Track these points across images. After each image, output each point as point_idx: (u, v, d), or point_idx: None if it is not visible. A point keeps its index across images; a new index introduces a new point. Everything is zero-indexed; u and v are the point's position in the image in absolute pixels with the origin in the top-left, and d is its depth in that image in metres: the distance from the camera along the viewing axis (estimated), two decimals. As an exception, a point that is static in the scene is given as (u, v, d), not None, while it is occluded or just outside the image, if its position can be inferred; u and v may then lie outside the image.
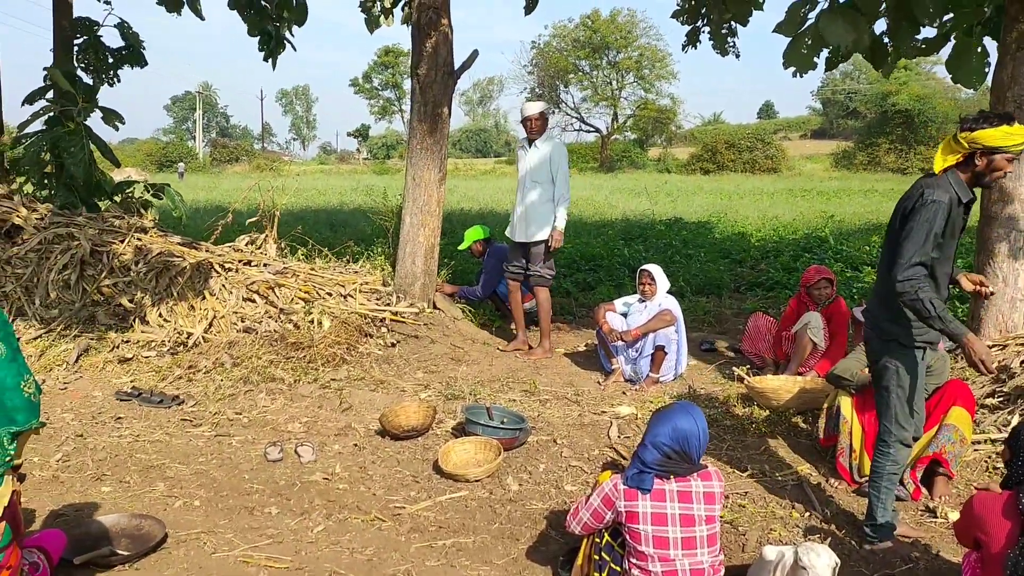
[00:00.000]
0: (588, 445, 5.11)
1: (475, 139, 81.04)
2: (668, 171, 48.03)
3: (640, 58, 55.22)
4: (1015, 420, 4.93)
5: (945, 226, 3.47)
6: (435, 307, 7.59)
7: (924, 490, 4.42)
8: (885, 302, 3.71)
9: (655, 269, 6.49)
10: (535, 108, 6.94)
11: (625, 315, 6.55)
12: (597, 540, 3.20)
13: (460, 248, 8.58)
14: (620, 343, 6.35)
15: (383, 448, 5.04)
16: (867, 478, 4.40)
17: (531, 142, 6.97)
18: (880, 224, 15.70)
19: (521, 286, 7.28)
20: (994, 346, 5.69)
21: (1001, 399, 5.25)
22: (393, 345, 6.95)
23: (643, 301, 6.48)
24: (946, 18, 6.34)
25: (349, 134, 79.46)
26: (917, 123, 44.48)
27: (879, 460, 3.82)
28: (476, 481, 4.54)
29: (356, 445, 5.08)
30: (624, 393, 6.17)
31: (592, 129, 59.06)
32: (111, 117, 7.93)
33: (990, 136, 3.37)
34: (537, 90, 57.54)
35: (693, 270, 10.77)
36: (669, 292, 6.62)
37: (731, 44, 7.99)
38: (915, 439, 3.91)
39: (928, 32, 6.58)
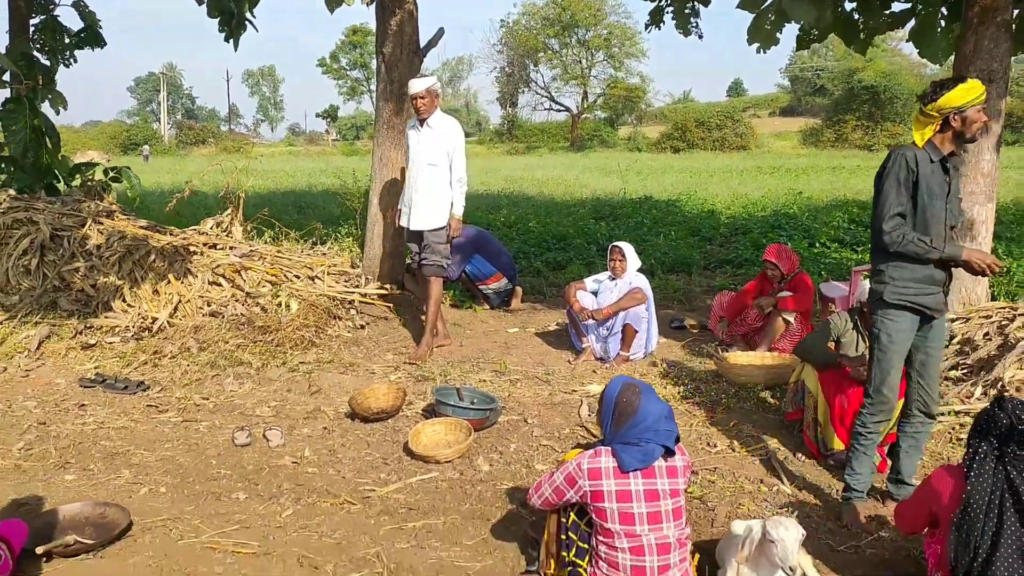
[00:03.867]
0: (559, 424, 5.11)
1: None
2: (638, 150, 48.13)
3: (609, 36, 55.09)
4: (978, 391, 5.02)
5: (916, 182, 3.59)
6: (404, 288, 7.54)
7: (890, 462, 4.47)
8: (874, 266, 3.78)
9: (626, 246, 6.48)
10: (421, 85, 6.22)
11: (595, 293, 6.54)
12: (563, 520, 3.20)
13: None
14: (591, 322, 6.35)
15: (353, 431, 5.01)
16: (833, 452, 4.47)
17: (422, 121, 6.33)
18: (847, 200, 15.85)
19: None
20: (958, 319, 5.77)
21: (964, 371, 5.34)
22: (362, 327, 6.90)
23: (613, 279, 6.47)
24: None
25: (318, 115, 78.48)
26: (883, 99, 44.90)
27: (857, 419, 3.91)
28: (447, 462, 4.52)
29: (325, 428, 5.04)
30: (594, 372, 6.18)
31: (562, 108, 58.95)
32: (56, 100, 7.75)
33: (954, 97, 3.56)
34: (507, 69, 57.27)
35: (663, 248, 10.80)
36: (639, 270, 6.62)
37: (694, 24, 7.93)
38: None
39: (897, 6, 6.63)
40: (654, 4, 8.13)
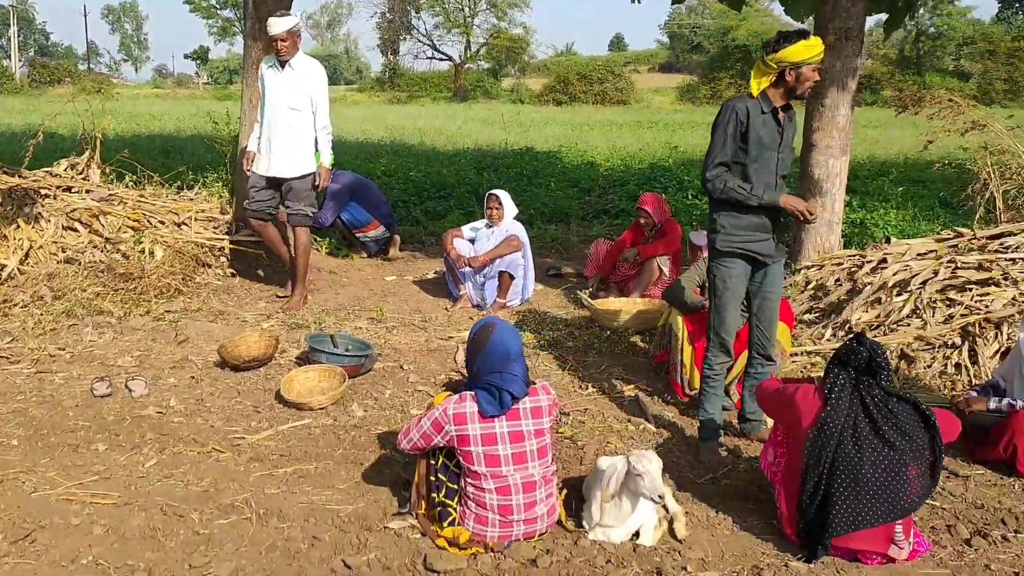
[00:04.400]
0: (435, 370, 5.14)
1: (323, 65, 77.87)
2: (521, 102, 48.00)
3: (493, -16, 54.43)
4: (828, 333, 5.35)
5: (747, 132, 3.74)
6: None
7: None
8: (710, 215, 3.96)
9: (503, 194, 6.51)
10: (281, 25, 5.79)
11: (473, 241, 6.56)
12: (432, 462, 3.24)
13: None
14: (468, 269, 6.37)
15: (223, 380, 4.88)
16: (696, 392, 4.68)
17: (283, 63, 5.97)
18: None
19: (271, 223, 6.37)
20: (812, 266, 6.11)
21: (817, 315, 5.67)
22: (233, 275, 6.70)
23: (491, 227, 6.50)
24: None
25: (187, 56, 74.53)
26: (755, 58, 46.32)
27: (704, 362, 4.14)
28: (320, 409, 4.48)
29: (193, 378, 4.89)
30: (471, 319, 6.22)
31: (445, 57, 58.05)
32: None
33: (793, 53, 3.65)
34: (388, 15, 55.82)
35: (543, 198, 10.91)
36: (518, 219, 6.67)
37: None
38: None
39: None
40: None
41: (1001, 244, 5.71)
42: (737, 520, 3.43)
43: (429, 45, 57.78)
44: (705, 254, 6.39)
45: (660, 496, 3.13)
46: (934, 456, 3.08)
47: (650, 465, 3.16)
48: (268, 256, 6.94)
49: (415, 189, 11.19)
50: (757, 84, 3.78)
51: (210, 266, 6.64)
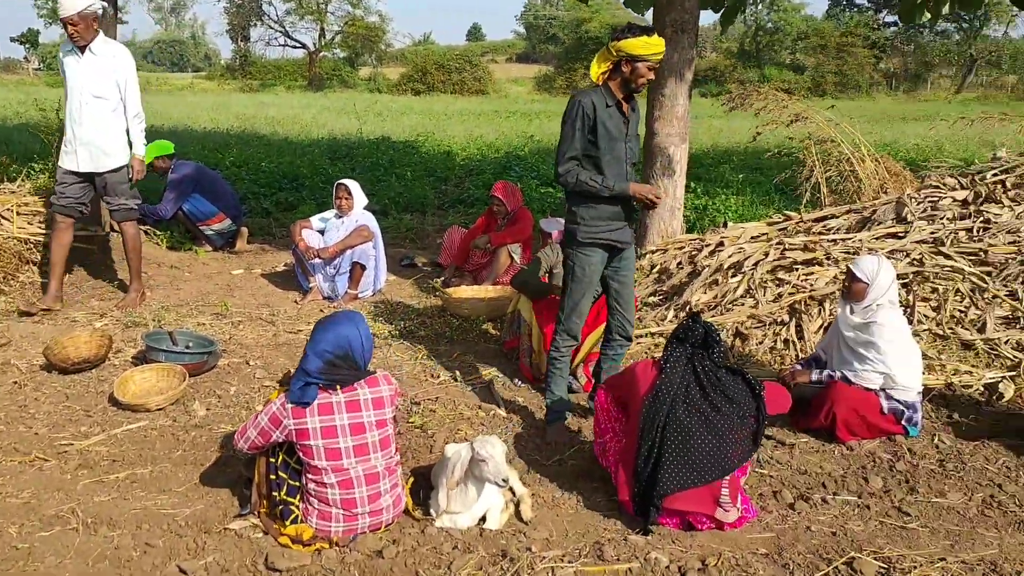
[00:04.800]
0: (283, 364, 4.99)
1: (169, 51, 74.31)
2: (379, 91, 47.34)
3: (346, -31, 53.25)
4: (670, 314, 5.58)
5: (595, 125, 3.83)
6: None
7: (595, 382, 4.85)
8: (568, 207, 4.03)
9: (352, 184, 6.40)
10: (72, 7, 5.26)
11: (323, 232, 6.42)
12: (272, 460, 3.15)
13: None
14: (318, 260, 6.23)
15: (49, 384, 4.57)
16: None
17: (82, 48, 5.49)
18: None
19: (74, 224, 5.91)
20: (657, 251, 6.35)
21: (660, 297, 5.90)
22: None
23: (340, 217, 6.39)
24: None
25: (14, 40, 68.86)
26: (609, 50, 47.63)
27: (552, 344, 4.22)
28: (158, 410, 4.27)
29: (16, 383, 4.56)
30: (322, 311, 6.08)
31: (299, 45, 56.38)
32: None
33: (632, 45, 3.72)
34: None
35: (398, 188, 10.82)
36: (369, 209, 6.58)
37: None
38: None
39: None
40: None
41: (824, 226, 6.13)
42: (581, 499, 3.53)
43: (281, 32, 55.93)
44: (553, 240, 6.54)
45: (504, 480, 3.17)
46: (757, 423, 3.28)
47: (493, 450, 3.20)
48: (102, 251, 6.55)
49: (266, 180, 10.85)
50: (596, 68, 3.86)
51: (35, 263, 6.20)
